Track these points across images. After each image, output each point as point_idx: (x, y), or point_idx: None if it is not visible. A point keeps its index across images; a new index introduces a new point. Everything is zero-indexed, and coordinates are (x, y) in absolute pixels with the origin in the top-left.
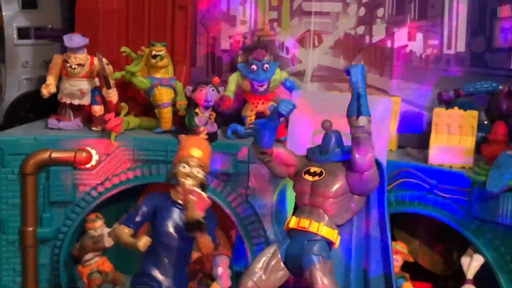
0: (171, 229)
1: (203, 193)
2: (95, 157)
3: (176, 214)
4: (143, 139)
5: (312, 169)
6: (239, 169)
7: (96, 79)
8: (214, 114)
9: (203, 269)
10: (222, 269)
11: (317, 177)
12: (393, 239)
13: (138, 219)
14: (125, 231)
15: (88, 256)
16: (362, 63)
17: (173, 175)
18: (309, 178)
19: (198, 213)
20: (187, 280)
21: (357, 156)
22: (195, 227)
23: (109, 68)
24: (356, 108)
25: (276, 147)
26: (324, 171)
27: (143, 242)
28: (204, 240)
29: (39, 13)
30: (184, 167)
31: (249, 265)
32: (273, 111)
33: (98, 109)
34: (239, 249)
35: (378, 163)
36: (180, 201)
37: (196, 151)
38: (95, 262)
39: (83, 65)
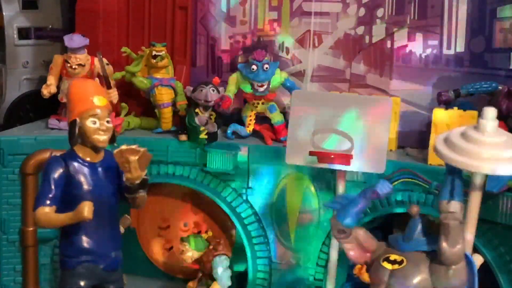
0: (97, 193)
1: (142, 148)
2: None
3: (98, 176)
4: (143, 139)
5: (392, 257)
6: (239, 169)
7: (97, 79)
8: (214, 114)
9: (203, 269)
10: (222, 269)
11: (397, 265)
12: None
13: (53, 192)
14: (46, 212)
15: None
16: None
17: (78, 135)
18: (388, 266)
19: (142, 172)
20: (121, 238)
21: (444, 245)
22: (139, 186)
23: (109, 68)
24: (449, 191)
25: (357, 229)
26: (405, 260)
27: (87, 208)
28: (142, 195)
29: (39, 14)
30: (93, 122)
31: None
32: (367, 190)
33: None
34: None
35: (468, 259)
36: (89, 159)
37: (100, 100)
38: None
39: (84, 65)
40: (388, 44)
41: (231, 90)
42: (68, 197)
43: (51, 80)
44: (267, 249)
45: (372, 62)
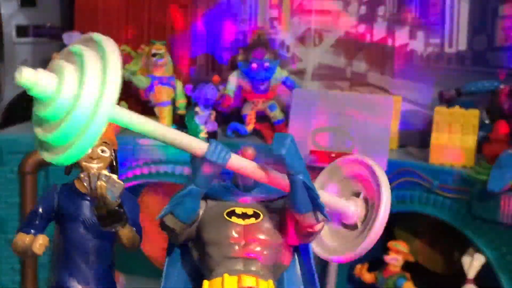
0: (84, 228)
1: (113, 175)
2: None
3: (86, 208)
4: (142, 139)
5: (239, 210)
6: None
7: None
8: (214, 113)
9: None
10: None
11: (253, 219)
12: (394, 238)
13: (37, 222)
14: (23, 239)
15: None
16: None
17: (72, 164)
18: (238, 221)
19: (112, 202)
20: (114, 283)
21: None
22: (111, 219)
23: None
24: (309, 201)
25: None
26: (260, 213)
27: (39, 243)
28: (127, 233)
29: (38, 11)
30: None
31: None
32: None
33: None
34: None
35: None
36: (87, 192)
37: None
38: None
39: None
40: (389, 43)
41: (231, 88)
42: (60, 227)
43: None
44: None
45: (373, 61)
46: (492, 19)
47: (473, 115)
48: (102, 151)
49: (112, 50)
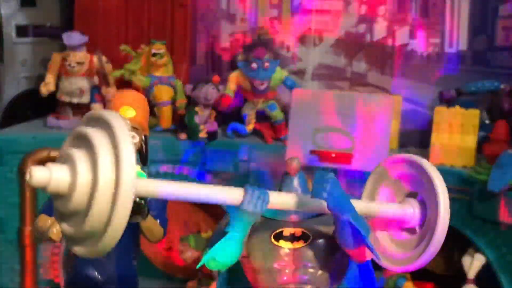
0: None
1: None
2: None
3: None
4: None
5: (287, 231)
6: (239, 168)
7: (96, 78)
8: (214, 113)
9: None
10: None
11: (302, 242)
12: None
13: None
14: (45, 220)
15: None
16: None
17: None
18: (287, 245)
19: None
20: (135, 276)
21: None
22: (134, 210)
23: (108, 66)
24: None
25: None
26: (309, 233)
27: (56, 228)
28: (150, 225)
29: (38, 11)
30: None
31: None
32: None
33: (97, 108)
34: None
35: None
36: None
37: (128, 111)
38: None
39: (83, 63)
40: (390, 42)
41: (231, 88)
42: None
43: (50, 78)
44: None
45: (373, 61)
46: (492, 19)
47: (473, 115)
48: (132, 136)
49: (118, 122)
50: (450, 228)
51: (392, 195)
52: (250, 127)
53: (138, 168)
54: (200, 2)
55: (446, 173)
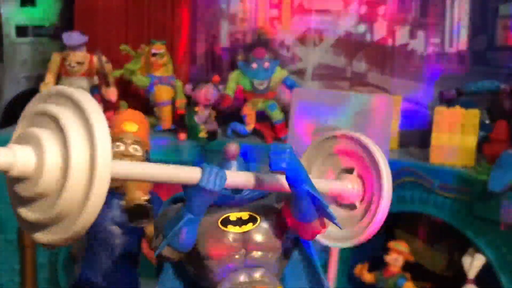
0: (111, 224)
1: None
2: None
3: (115, 205)
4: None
5: (234, 216)
6: (239, 168)
7: (95, 77)
8: (214, 113)
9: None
10: None
11: (250, 224)
12: (394, 238)
13: None
14: None
15: None
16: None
17: None
18: (235, 229)
19: (140, 195)
20: (137, 282)
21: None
22: (139, 213)
23: (108, 66)
24: (314, 209)
25: None
26: (257, 215)
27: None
28: (153, 230)
29: (38, 11)
30: (118, 146)
31: None
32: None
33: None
34: None
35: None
36: (117, 187)
37: (130, 125)
38: None
39: (82, 63)
40: (390, 42)
41: (231, 88)
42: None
43: (50, 78)
44: None
45: (373, 61)
46: (492, 19)
47: (473, 115)
48: (135, 149)
49: (89, 101)
50: (451, 228)
51: (327, 171)
52: (250, 127)
53: None
54: (200, 2)
55: (447, 173)
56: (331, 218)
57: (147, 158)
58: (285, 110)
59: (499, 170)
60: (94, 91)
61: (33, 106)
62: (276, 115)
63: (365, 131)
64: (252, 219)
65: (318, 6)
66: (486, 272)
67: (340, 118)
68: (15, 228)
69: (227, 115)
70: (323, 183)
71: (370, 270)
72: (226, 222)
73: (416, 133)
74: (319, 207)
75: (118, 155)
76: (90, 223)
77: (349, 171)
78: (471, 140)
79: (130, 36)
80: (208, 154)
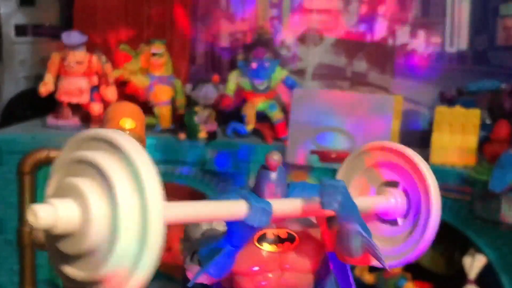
0: None
1: None
2: None
3: None
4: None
5: (271, 233)
6: (239, 169)
7: (95, 77)
8: (214, 113)
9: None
10: None
11: (288, 244)
12: None
13: None
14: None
15: None
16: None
17: None
18: (271, 248)
19: None
20: None
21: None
22: None
23: (108, 66)
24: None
25: None
26: (295, 234)
27: None
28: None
29: (37, 10)
30: None
31: None
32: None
33: (96, 108)
34: None
35: None
36: None
37: (127, 122)
38: None
39: (82, 63)
40: (390, 42)
41: (231, 88)
42: None
43: (49, 78)
44: None
45: (374, 60)
46: (493, 18)
47: (474, 115)
48: None
49: (129, 142)
50: (451, 228)
51: (366, 186)
52: (250, 127)
53: None
54: (200, 2)
55: (447, 173)
56: (378, 259)
57: None
58: (285, 110)
59: (500, 170)
60: (94, 91)
61: (66, 154)
62: (276, 115)
63: (365, 131)
64: (290, 238)
65: (318, 6)
66: (487, 273)
67: (340, 118)
68: (14, 228)
69: (227, 115)
70: (369, 201)
71: (370, 270)
72: (262, 239)
73: (416, 133)
74: (366, 246)
75: None
76: (147, 278)
77: (391, 184)
78: (472, 140)
79: (129, 35)
80: (208, 154)
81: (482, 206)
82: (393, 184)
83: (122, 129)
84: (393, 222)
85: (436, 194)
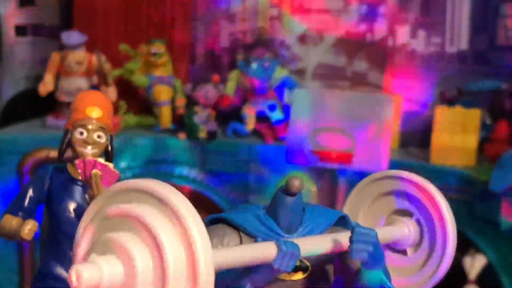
0: (74, 214)
1: (109, 164)
2: None
3: (78, 194)
4: (142, 138)
5: None
6: (239, 169)
7: (95, 77)
8: (214, 113)
9: None
10: None
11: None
12: None
13: (26, 204)
14: (10, 221)
15: None
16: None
17: (67, 145)
18: (284, 276)
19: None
20: None
21: None
22: None
23: (107, 66)
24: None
25: None
26: (308, 263)
27: (28, 228)
28: None
29: (37, 10)
30: (81, 133)
31: None
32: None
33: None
34: None
35: None
36: (80, 178)
37: (94, 111)
38: None
39: (82, 63)
40: (390, 42)
41: (231, 88)
42: (48, 211)
43: (49, 78)
44: None
45: (374, 60)
46: (493, 18)
47: (474, 115)
48: (99, 136)
49: (171, 192)
50: None
51: (376, 214)
52: (250, 127)
53: (111, 165)
54: (200, 2)
55: (447, 173)
56: None
57: (111, 144)
58: (285, 111)
59: (500, 170)
60: None
61: (102, 208)
62: (276, 115)
63: (365, 131)
64: (303, 267)
65: (318, 6)
66: (487, 273)
67: (340, 118)
68: None
69: (227, 115)
70: (388, 233)
71: None
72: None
73: (416, 133)
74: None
75: (80, 143)
76: None
77: (403, 213)
78: (472, 140)
79: (129, 35)
80: (208, 154)
81: (482, 206)
82: (405, 213)
83: (88, 118)
84: (403, 252)
85: (453, 227)
